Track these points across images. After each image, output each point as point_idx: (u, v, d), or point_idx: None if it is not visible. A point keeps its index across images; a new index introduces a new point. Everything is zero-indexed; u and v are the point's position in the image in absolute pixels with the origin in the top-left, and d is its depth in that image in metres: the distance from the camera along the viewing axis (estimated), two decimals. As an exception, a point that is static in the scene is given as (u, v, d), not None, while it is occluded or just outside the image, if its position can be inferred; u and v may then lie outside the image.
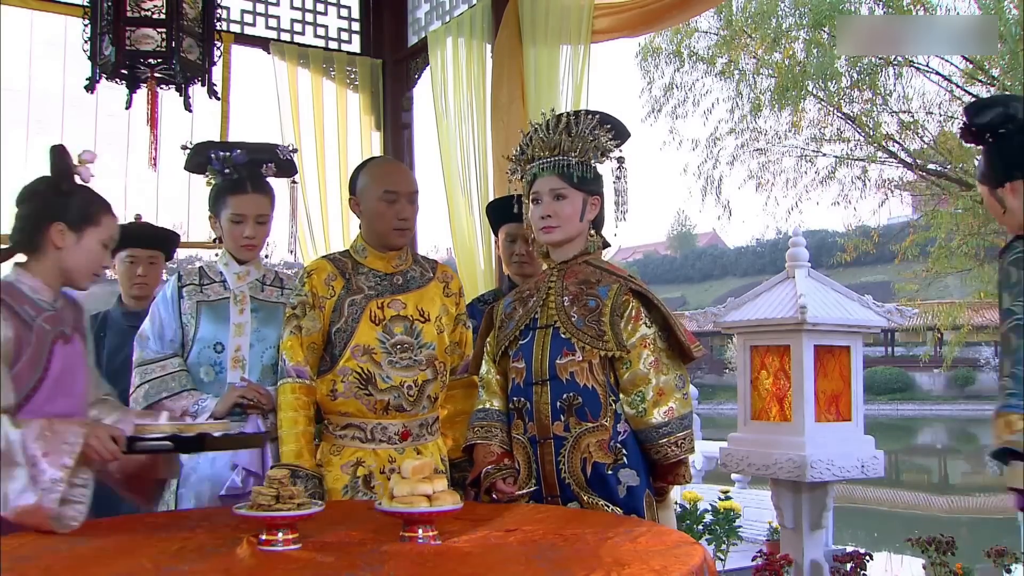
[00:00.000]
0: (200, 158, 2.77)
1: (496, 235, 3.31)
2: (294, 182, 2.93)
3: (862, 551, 4.58)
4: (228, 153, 2.70)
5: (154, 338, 2.70)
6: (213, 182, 2.75)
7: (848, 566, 4.36)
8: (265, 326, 2.75)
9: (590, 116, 2.31)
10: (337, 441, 2.50)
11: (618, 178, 2.34)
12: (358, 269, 2.56)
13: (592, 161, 2.30)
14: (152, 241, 3.42)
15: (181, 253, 4.24)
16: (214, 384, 2.70)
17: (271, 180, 2.82)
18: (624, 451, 2.20)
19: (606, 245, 2.45)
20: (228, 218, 2.71)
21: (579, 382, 2.21)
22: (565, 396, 2.21)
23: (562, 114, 2.35)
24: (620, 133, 2.34)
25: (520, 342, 2.32)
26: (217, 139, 4.67)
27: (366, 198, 2.55)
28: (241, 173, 2.71)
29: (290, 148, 2.86)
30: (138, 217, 3.51)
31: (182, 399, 2.63)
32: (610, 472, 2.19)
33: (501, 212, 3.20)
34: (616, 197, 2.33)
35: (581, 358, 2.21)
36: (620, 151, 2.36)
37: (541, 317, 2.30)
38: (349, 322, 2.47)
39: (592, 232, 2.36)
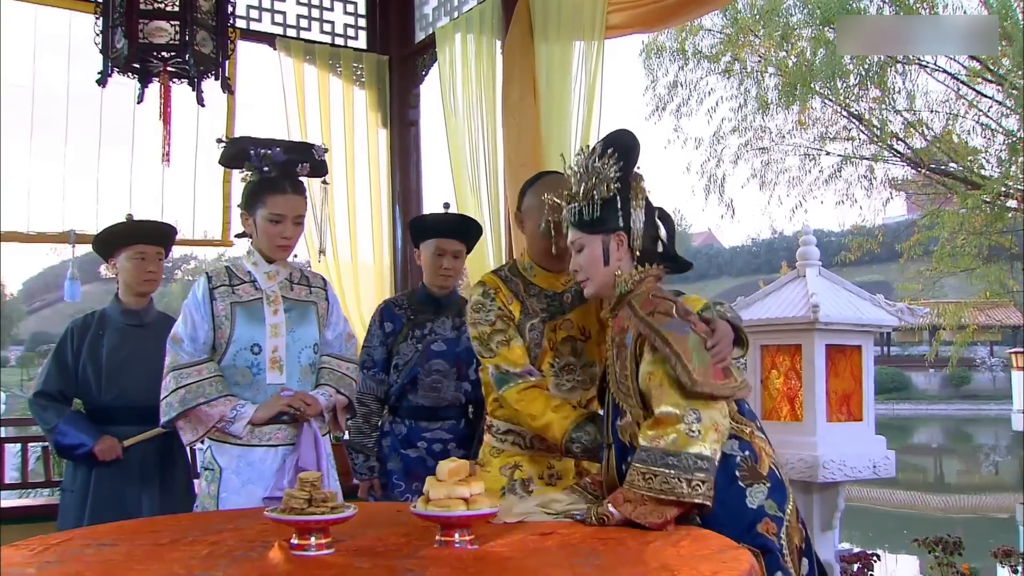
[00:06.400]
0: (236, 152, 2.72)
1: (416, 248, 3.42)
2: (325, 183, 2.89)
3: (869, 552, 4.57)
4: (268, 151, 2.65)
5: (188, 341, 2.64)
6: (250, 179, 2.70)
7: (855, 566, 4.35)
8: (299, 325, 2.72)
9: (592, 149, 2.16)
10: (498, 444, 2.48)
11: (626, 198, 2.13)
12: (529, 290, 2.46)
13: (599, 198, 2.10)
14: (159, 237, 3.37)
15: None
16: (250, 387, 2.65)
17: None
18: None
19: (680, 270, 2.22)
20: (265, 217, 2.66)
21: (635, 445, 2.01)
22: (628, 459, 2.02)
23: (579, 152, 2.22)
24: (624, 152, 2.13)
25: (602, 407, 2.23)
26: (223, 135, 4.64)
27: (530, 218, 2.43)
28: (279, 172, 2.67)
29: (323, 148, 2.81)
30: (129, 217, 3.47)
31: (219, 405, 2.58)
32: None
33: (422, 229, 3.40)
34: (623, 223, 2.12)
35: (631, 419, 2.04)
36: (637, 168, 2.16)
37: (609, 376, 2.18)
38: (531, 347, 2.40)
39: (635, 267, 2.13)
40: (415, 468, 3.26)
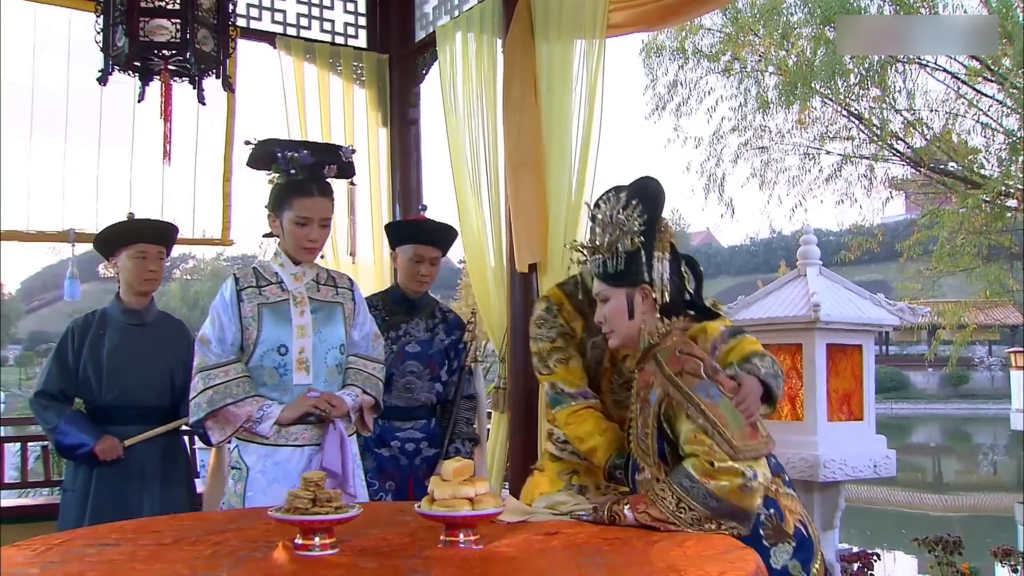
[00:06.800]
0: (263, 154, 2.73)
1: (393, 250, 3.48)
2: (352, 183, 2.89)
3: (869, 551, 4.58)
4: (295, 153, 2.66)
5: (216, 342, 2.65)
6: (277, 181, 2.71)
7: (855, 566, 4.36)
8: (325, 326, 2.73)
9: (617, 198, 2.10)
10: (557, 452, 2.50)
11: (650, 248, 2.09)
12: (593, 305, 2.35)
13: (623, 251, 2.06)
14: (161, 236, 3.37)
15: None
16: (277, 387, 2.66)
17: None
18: None
19: (707, 317, 2.17)
20: (292, 220, 2.67)
21: None
22: None
23: (600, 200, 2.17)
24: (649, 203, 2.07)
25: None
26: (223, 135, 4.63)
27: None
28: (306, 174, 2.67)
29: (351, 150, 2.81)
30: (131, 216, 3.46)
31: (246, 405, 2.59)
32: None
33: (401, 234, 3.46)
34: (648, 276, 2.08)
35: (650, 476, 2.01)
36: (663, 218, 2.10)
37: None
38: (593, 365, 2.40)
39: (660, 320, 2.08)
40: (388, 467, 3.30)
